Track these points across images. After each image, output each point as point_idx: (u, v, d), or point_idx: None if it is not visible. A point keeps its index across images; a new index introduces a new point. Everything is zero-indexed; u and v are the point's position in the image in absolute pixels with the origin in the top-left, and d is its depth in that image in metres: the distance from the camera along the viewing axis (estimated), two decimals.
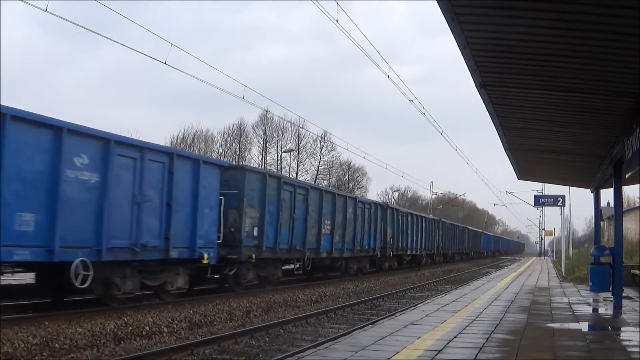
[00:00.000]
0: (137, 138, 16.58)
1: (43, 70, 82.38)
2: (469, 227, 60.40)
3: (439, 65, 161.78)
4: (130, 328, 10.34)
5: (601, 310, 12.33)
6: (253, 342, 10.40)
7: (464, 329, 8.59)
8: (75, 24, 15.96)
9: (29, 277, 12.32)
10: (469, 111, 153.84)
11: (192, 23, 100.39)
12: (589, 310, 12.30)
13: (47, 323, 9.77)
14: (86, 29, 16.16)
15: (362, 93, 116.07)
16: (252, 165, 49.82)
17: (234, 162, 45.81)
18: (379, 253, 27.31)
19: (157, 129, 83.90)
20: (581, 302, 13.47)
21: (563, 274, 26.45)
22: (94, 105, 73.35)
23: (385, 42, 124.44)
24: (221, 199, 15.00)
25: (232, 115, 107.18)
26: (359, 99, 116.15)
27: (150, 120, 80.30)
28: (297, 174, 55.13)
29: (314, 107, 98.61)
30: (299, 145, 56.98)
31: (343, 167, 61.99)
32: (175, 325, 11.13)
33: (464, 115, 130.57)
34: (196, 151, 48.44)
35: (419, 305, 12.47)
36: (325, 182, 56.17)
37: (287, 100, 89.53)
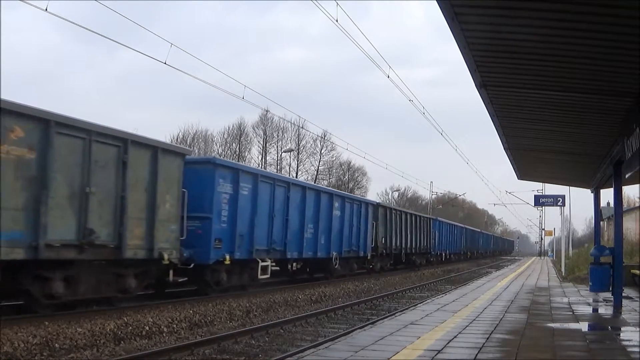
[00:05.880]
0: None
1: (62, 72, 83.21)
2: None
3: (452, 68, 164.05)
4: (130, 328, 10.34)
5: (601, 310, 12.33)
6: (253, 342, 10.40)
7: (463, 329, 8.59)
8: (78, 25, 15.97)
9: None
10: (473, 111, 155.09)
11: (214, 25, 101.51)
12: (588, 310, 12.30)
13: (47, 323, 9.77)
14: (88, 29, 16.14)
15: (372, 95, 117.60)
16: (253, 166, 49.75)
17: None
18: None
19: (158, 129, 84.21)
20: (581, 302, 13.46)
21: (563, 274, 26.45)
22: (104, 106, 73.70)
23: (403, 46, 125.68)
24: None
25: (232, 116, 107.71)
26: (368, 101, 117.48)
27: (154, 121, 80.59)
28: (297, 174, 55.15)
29: (318, 108, 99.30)
30: (299, 145, 57.02)
31: (343, 167, 62.05)
32: (175, 325, 11.13)
33: (468, 115, 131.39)
34: (196, 151, 48.45)
35: (418, 305, 12.47)
36: (325, 182, 56.19)
37: (294, 101, 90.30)
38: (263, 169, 25.00)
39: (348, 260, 24.11)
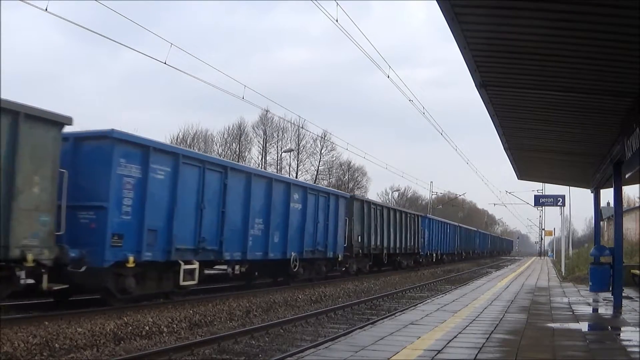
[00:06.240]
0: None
1: (66, 73, 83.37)
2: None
3: (452, 68, 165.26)
4: (130, 328, 10.34)
5: (601, 310, 12.32)
6: (253, 342, 10.41)
7: (463, 329, 8.59)
8: (79, 26, 15.98)
9: None
10: (473, 111, 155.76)
11: (214, 25, 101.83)
12: (588, 310, 12.30)
13: (47, 323, 9.77)
14: (88, 29, 16.12)
15: (372, 95, 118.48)
16: (253, 166, 49.76)
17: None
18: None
19: (158, 129, 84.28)
20: (581, 302, 13.46)
21: (563, 274, 26.45)
22: (105, 106, 73.78)
23: (404, 46, 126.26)
24: None
25: (232, 116, 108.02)
26: (368, 101, 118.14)
27: (154, 121, 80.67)
28: (297, 174, 55.15)
29: (318, 108, 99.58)
30: (299, 145, 57.01)
31: (343, 167, 62.07)
32: (175, 325, 11.14)
33: (468, 115, 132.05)
34: (196, 151, 48.43)
35: (418, 305, 12.47)
36: (325, 182, 56.19)
37: (294, 101, 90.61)
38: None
39: (313, 262, 20.66)
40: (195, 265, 13.68)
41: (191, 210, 13.67)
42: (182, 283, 13.27)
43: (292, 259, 18.41)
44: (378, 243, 27.88)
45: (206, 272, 15.18)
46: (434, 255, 40.54)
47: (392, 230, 29.89)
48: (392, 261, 30.96)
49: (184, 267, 13.29)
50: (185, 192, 13.42)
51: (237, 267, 16.42)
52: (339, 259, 22.56)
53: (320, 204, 20.64)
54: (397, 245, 31.00)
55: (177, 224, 13.08)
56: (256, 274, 18.58)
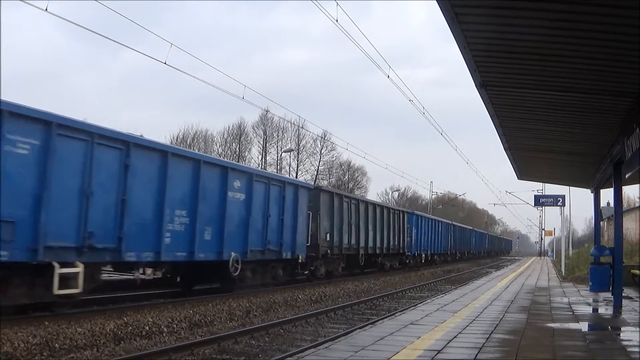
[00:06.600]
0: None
1: (66, 73, 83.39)
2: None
3: (453, 68, 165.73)
4: (130, 328, 10.35)
5: (601, 310, 12.33)
6: (253, 342, 10.41)
7: (463, 329, 8.59)
8: (79, 26, 15.99)
9: None
10: (473, 111, 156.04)
11: (215, 26, 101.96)
12: (588, 310, 12.30)
13: (47, 323, 9.77)
14: (88, 29, 16.11)
15: (372, 95, 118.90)
16: (253, 166, 49.76)
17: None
18: None
19: (158, 129, 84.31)
20: (581, 302, 13.47)
21: (563, 274, 26.45)
22: (105, 106, 73.82)
23: (404, 46, 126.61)
24: None
25: (232, 116, 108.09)
26: (368, 101, 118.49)
27: (154, 121, 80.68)
28: (297, 174, 55.17)
29: (318, 108, 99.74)
30: (299, 145, 57.08)
31: (343, 167, 62.09)
32: (175, 325, 11.14)
33: (468, 115, 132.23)
34: (196, 151, 48.41)
35: (418, 305, 12.47)
36: (325, 182, 56.22)
37: (294, 101, 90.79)
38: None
39: (265, 265, 17.43)
40: (79, 269, 10.56)
41: (72, 197, 10.62)
42: (56, 291, 10.15)
43: (231, 261, 15.03)
44: (352, 242, 24.42)
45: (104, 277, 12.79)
46: (423, 255, 37.48)
47: (371, 227, 26.49)
48: (372, 262, 28.20)
49: (58, 270, 10.15)
50: (63, 172, 10.39)
51: (149, 270, 13.28)
52: (300, 261, 19.03)
53: (272, 194, 17.19)
54: (378, 244, 27.82)
55: (49, 214, 10.01)
56: (178, 279, 15.36)
